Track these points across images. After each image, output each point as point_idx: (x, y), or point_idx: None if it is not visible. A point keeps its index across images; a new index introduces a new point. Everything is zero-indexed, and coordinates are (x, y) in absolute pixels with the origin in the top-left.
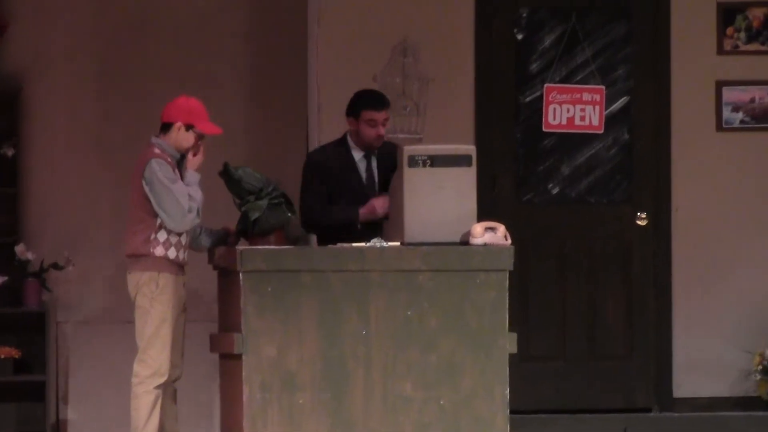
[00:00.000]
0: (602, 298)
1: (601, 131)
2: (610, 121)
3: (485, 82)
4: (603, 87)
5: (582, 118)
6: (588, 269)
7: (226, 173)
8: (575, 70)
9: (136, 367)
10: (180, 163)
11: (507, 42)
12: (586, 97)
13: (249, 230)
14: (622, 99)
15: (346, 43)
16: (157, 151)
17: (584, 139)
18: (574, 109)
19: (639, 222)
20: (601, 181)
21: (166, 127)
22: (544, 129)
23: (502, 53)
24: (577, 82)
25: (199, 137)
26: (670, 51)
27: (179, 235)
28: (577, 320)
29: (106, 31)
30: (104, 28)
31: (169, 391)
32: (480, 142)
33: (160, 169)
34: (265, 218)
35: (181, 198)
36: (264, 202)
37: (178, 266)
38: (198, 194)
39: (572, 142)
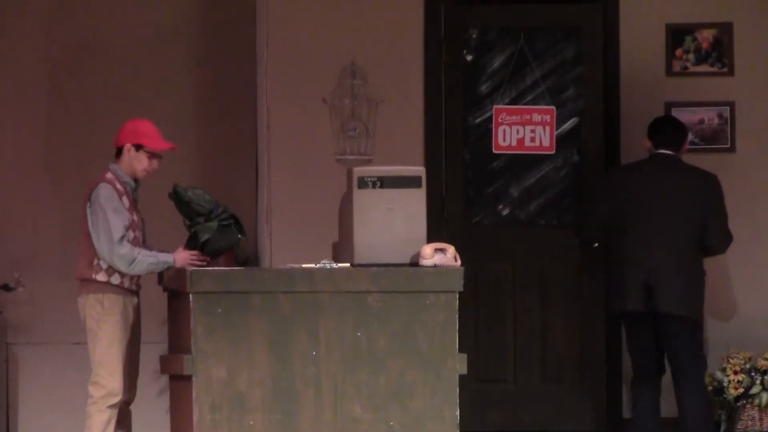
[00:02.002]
0: (553, 319)
1: (553, 152)
2: (560, 142)
3: (435, 104)
4: (554, 108)
5: (532, 139)
6: (539, 291)
7: (176, 195)
8: (525, 91)
9: (90, 389)
10: (135, 190)
11: (457, 63)
12: (536, 118)
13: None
14: (572, 120)
15: (296, 64)
16: (109, 176)
17: (534, 161)
18: (524, 130)
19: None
20: (551, 202)
21: (119, 152)
22: (494, 150)
23: (451, 75)
24: (527, 103)
25: (152, 156)
26: (619, 72)
27: None
28: (528, 342)
29: (56, 53)
30: (53, 49)
31: (122, 412)
32: (430, 163)
33: (104, 194)
34: (215, 240)
35: (115, 228)
36: (214, 224)
37: (126, 289)
38: (148, 260)
39: (522, 163)
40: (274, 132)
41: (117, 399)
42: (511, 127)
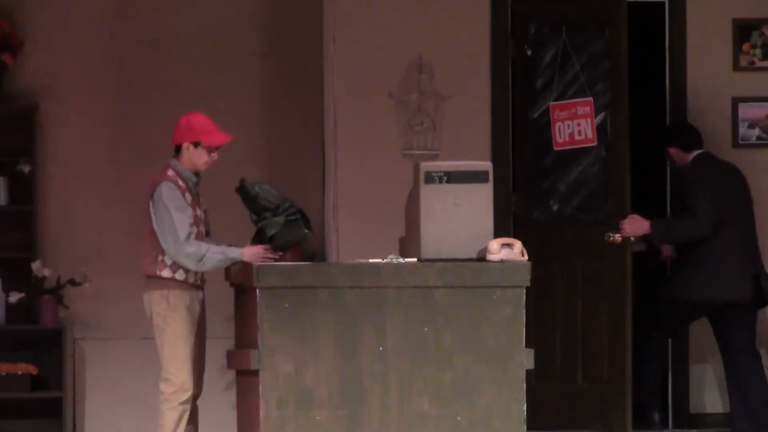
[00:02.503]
0: (599, 316)
1: (595, 143)
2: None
3: (501, 99)
4: (591, 98)
5: (579, 132)
6: (585, 288)
7: (243, 190)
8: (568, 85)
9: (161, 386)
10: (196, 185)
11: (520, 58)
12: (579, 111)
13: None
14: (601, 114)
15: (362, 59)
16: (170, 173)
17: (577, 155)
18: (572, 124)
19: (611, 241)
20: (589, 198)
21: (177, 149)
22: (555, 148)
23: (516, 69)
24: (570, 98)
25: (212, 150)
26: (686, 67)
27: None
28: (573, 339)
29: (122, 50)
30: (119, 46)
31: (193, 406)
32: (496, 158)
33: (167, 193)
34: (281, 234)
35: (180, 227)
36: (281, 219)
37: (191, 284)
38: (216, 257)
39: (568, 158)
40: (340, 127)
41: (188, 395)
42: (563, 123)
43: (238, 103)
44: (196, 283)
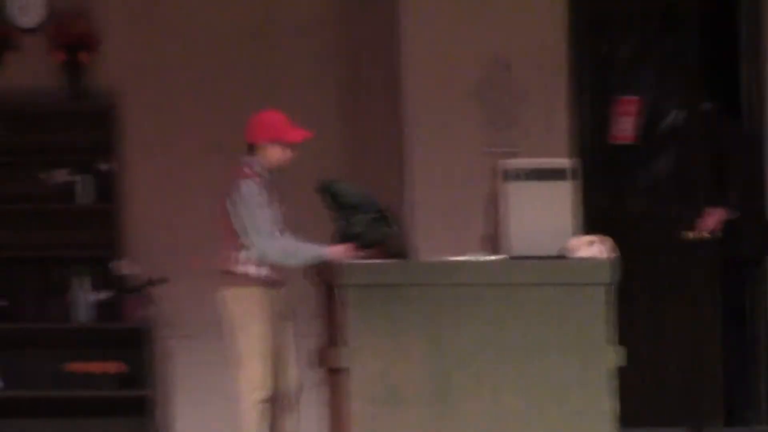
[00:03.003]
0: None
1: (634, 141)
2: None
3: (579, 95)
4: (637, 98)
5: (625, 129)
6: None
7: (325, 189)
8: (641, 81)
9: (240, 385)
10: (273, 182)
11: (596, 55)
12: (630, 108)
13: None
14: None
15: (440, 56)
16: (247, 171)
17: (656, 152)
18: (629, 120)
19: (694, 237)
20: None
21: (252, 148)
22: (609, 141)
23: (593, 66)
24: (640, 93)
25: (289, 147)
26: (762, 64)
27: None
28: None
29: (199, 47)
30: (197, 43)
31: (285, 405)
32: (574, 154)
33: (247, 191)
34: (365, 233)
35: (265, 223)
36: (364, 217)
37: (271, 282)
38: (303, 253)
39: (647, 154)
40: (419, 125)
41: (266, 393)
42: (623, 117)
43: (316, 100)
44: (274, 279)
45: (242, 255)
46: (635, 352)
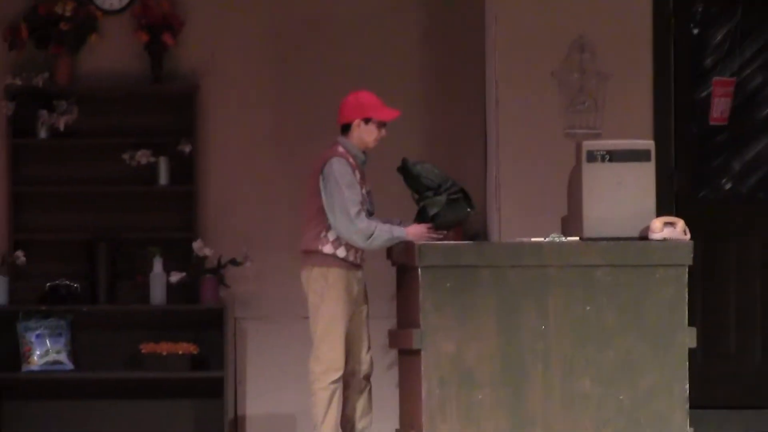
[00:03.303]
0: None
1: (725, 123)
2: None
3: (663, 77)
4: (734, 79)
5: (724, 111)
6: (761, 267)
7: (405, 169)
8: (743, 64)
9: (311, 364)
10: (364, 163)
11: (683, 37)
12: (728, 89)
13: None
14: None
15: (524, 39)
16: (341, 150)
17: (756, 134)
18: (728, 102)
19: None
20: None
21: (345, 128)
22: (710, 122)
23: (679, 48)
24: (744, 77)
25: (381, 125)
26: None
27: None
28: (750, 318)
29: (281, 29)
30: (279, 25)
31: (357, 386)
32: (658, 137)
33: (338, 169)
34: (444, 213)
35: (351, 204)
36: (443, 198)
37: (351, 263)
38: (384, 235)
39: (744, 137)
40: (502, 106)
41: (338, 374)
42: (720, 99)
43: (398, 82)
44: (356, 261)
45: (326, 234)
46: (720, 335)
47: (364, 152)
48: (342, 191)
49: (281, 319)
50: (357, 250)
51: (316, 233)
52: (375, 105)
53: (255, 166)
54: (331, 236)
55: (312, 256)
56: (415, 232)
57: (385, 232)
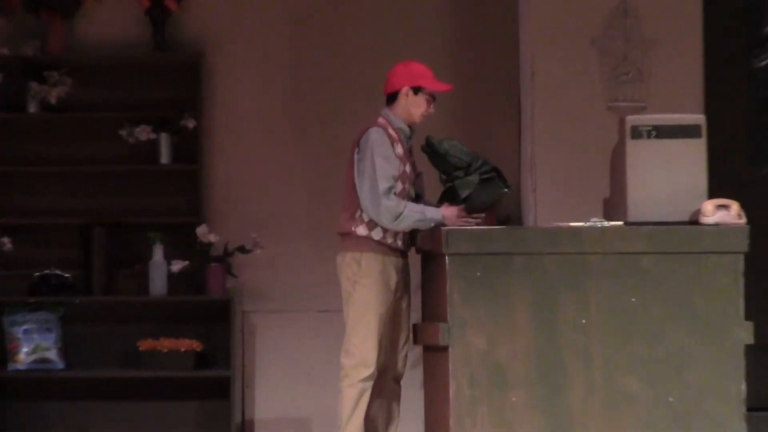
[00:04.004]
0: None
1: None
2: None
3: (714, 45)
4: None
5: None
6: None
7: (430, 147)
8: None
9: (341, 359)
10: (410, 138)
11: (737, 2)
12: None
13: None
14: None
15: (562, 3)
16: (381, 120)
17: None
18: None
19: None
20: None
21: (392, 98)
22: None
23: (732, 12)
24: None
25: (431, 98)
26: None
27: None
28: None
29: (300, 6)
30: (297, 3)
31: (386, 386)
32: (709, 111)
33: (375, 139)
34: (476, 195)
35: (382, 178)
36: (474, 178)
37: (389, 247)
38: (414, 216)
39: None
40: (538, 78)
41: (369, 371)
42: None
43: (425, 52)
44: (396, 245)
45: (360, 215)
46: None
47: (410, 127)
48: (374, 163)
49: (295, 312)
50: (398, 232)
51: (350, 213)
52: (426, 75)
53: (266, 143)
54: (366, 216)
55: (346, 239)
56: (449, 213)
57: (415, 213)
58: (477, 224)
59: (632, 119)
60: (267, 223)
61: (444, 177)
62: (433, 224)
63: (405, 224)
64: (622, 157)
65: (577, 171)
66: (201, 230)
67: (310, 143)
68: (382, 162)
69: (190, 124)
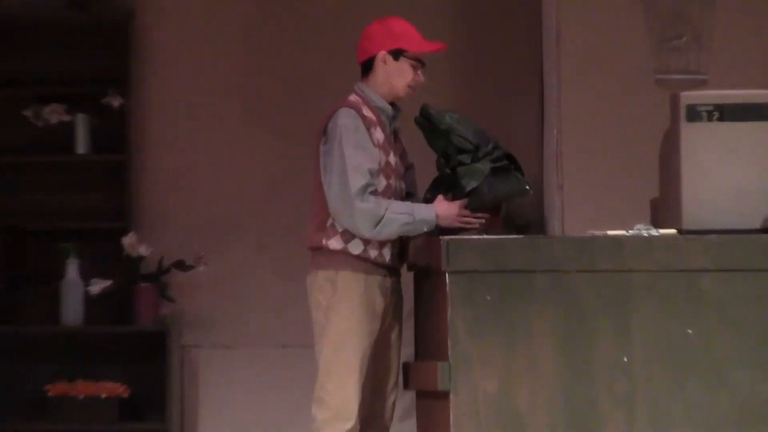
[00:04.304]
0: None
1: None
2: None
3: None
4: None
5: None
6: None
7: (427, 119)
8: None
9: (313, 410)
10: (394, 119)
11: None
12: None
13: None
14: None
15: None
16: (352, 98)
17: None
18: None
19: None
20: None
21: (367, 68)
22: None
23: None
24: None
25: (418, 64)
26: None
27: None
28: None
29: None
30: None
31: None
32: None
33: (344, 123)
34: (487, 189)
35: (354, 173)
36: (484, 166)
37: (372, 264)
38: (400, 218)
39: None
40: (566, 44)
41: (348, 425)
42: None
43: (425, 18)
44: (382, 260)
45: (332, 223)
46: None
47: (393, 104)
48: (344, 154)
49: (250, 348)
50: (384, 242)
51: (320, 221)
52: (408, 33)
53: (214, 130)
54: (339, 225)
55: (316, 255)
56: (446, 211)
57: (401, 214)
58: (480, 227)
59: (688, 96)
60: (214, 231)
61: (443, 161)
62: (426, 228)
63: (389, 231)
64: (675, 146)
65: (615, 163)
66: (128, 240)
67: (270, 130)
68: (354, 153)
69: (115, 102)
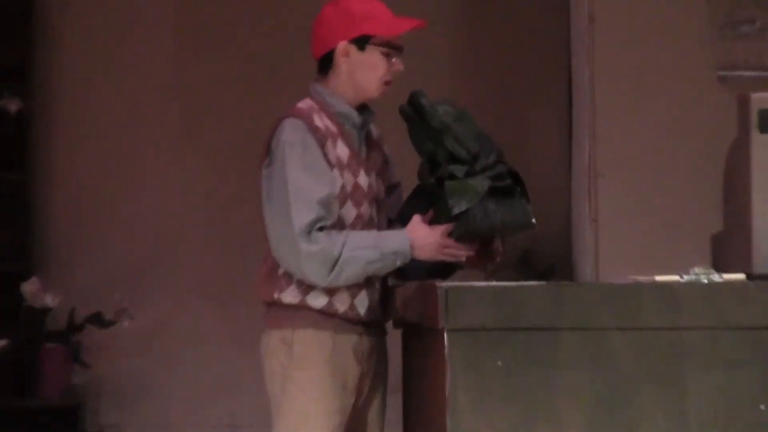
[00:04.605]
0: None
1: None
2: None
3: None
4: None
5: None
6: None
7: (417, 110)
8: None
9: None
10: (362, 127)
11: None
12: None
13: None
14: None
15: None
16: (302, 105)
17: None
18: None
19: None
20: None
21: (325, 65)
22: None
23: None
24: None
25: (391, 51)
26: None
27: None
28: None
29: None
30: None
31: None
32: None
33: (288, 139)
34: (482, 215)
35: (300, 207)
36: (482, 183)
37: (341, 319)
38: (364, 255)
39: None
40: (601, 30)
41: None
42: None
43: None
44: (355, 314)
45: (283, 271)
46: None
47: (361, 108)
48: (286, 181)
49: (187, 428)
50: (356, 290)
51: (269, 269)
52: (374, 14)
53: (143, 143)
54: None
55: (269, 310)
56: (424, 241)
57: (362, 249)
58: (490, 267)
59: (760, 98)
60: (141, 275)
61: (427, 166)
62: (400, 262)
63: (350, 275)
64: (744, 164)
65: (665, 188)
66: (30, 287)
67: (214, 143)
68: (299, 178)
69: (13, 107)
